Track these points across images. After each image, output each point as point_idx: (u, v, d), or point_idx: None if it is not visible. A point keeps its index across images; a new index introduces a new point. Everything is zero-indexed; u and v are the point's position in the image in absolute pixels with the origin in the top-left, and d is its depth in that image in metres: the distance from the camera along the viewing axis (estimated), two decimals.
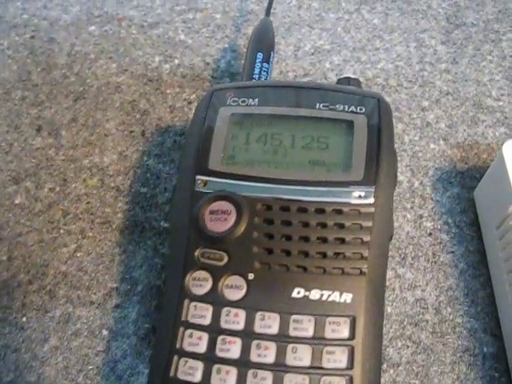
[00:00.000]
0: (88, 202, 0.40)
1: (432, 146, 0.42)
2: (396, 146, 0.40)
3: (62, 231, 0.38)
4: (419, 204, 0.39)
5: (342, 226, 0.29)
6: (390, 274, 0.36)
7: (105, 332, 0.35)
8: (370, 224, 0.29)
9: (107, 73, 0.46)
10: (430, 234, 0.38)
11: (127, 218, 0.39)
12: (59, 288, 0.36)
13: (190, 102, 0.44)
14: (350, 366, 0.27)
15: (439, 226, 0.38)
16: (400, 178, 0.40)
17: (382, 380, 0.33)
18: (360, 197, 0.30)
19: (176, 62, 0.47)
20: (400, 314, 0.35)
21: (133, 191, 0.40)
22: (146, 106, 0.44)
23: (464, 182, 0.40)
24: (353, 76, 0.38)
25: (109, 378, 0.33)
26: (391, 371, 0.33)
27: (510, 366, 0.33)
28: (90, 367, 0.34)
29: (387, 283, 0.36)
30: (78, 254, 0.38)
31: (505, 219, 0.34)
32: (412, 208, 0.39)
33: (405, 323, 0.35)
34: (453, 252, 0.37)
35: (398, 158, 0.40)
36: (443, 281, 0.36)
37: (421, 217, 0.39)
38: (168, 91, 0.45)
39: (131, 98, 0.45)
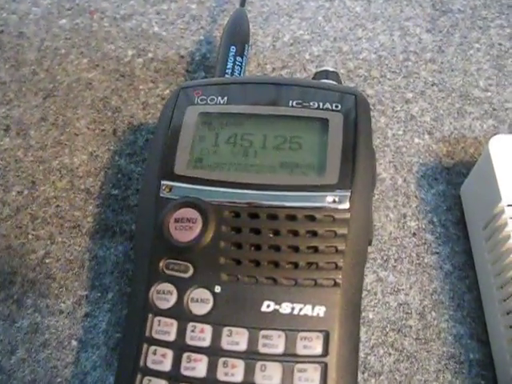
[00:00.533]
0: (57, 206, 0.38)
1: (416, 140, 0.40)
2: (378, 141, 0.39)
3: (30, 236, 0.37)
4: (403, 202, 0.37)
5: (314, 234, 0.27)
6: (371, 277, 0.35)
7: (74, 342, 0.33)
8: (345, 231, 0.27)
9: (78, 68, 0.44)
10: (414, 234, 0.36)
11: (97, 222, 0.37)
12: (27, 297, 0.35)
13: (163, 98, 0.42)
14: None
15: (424, 226, 0.37)
16: (383, 174, 0.38)
17: None
18: (334, 201, 0.28)
19: (149, 55, 0.45)
20: (382, 319, 0.34)
21: (103, 193, 0.38)
22: (117, 103, 0.42)
23: (450, 178, 0.38)
24: (331, 69, 0.36)
25: None
26: (372, 381, 0.32)
27: (497, 374, 0.32)
28: (59, 380, 0.32)
29: (369, 287, 0.34)
30: (47, 261, 0.36)
31: (492, 219, 0.32)
32: (395, 207, 0.37)
33: (387, 329, 0.33)
34: (438, 253, 0.36)
35: (381, 154, 0.38)
36: (427, 284, 0.35)
37: (404, 216, 0.37)
38: (141, 87, 0.43)
39: (103, 94, 0.43)
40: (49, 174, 0.39)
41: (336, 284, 0.27)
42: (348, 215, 0.28)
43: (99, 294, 0.35)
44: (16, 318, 0.34)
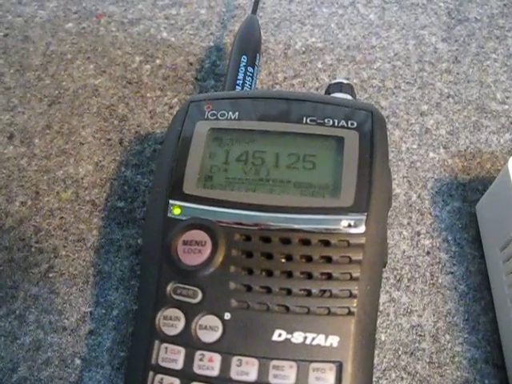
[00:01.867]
0: (61, 218, 0.37)
1: (431, 154, 0.39)
2: (392, 155, 0.37)
3: (33, 249, 0.36)
4: (417, 220, 0.36)
5: (329, 260, 0.26)
6: (384, 297, 0.34)
7: (77, 361, 0.32)
8: (360, 257, 0.26)
9: (84, 74, 0.43)
10: (428, 253, 0.35)
11: (103, 236, 0.36)
12: (29, 312, 0.34)
13: (171, 107, 0.41)
14: None
15: (438, 244, 0.35)
16: (396, 190, 0.37)
17: None
18: (349, 226, 0.27)
19: (157, 62, 0.44)
20: (394, 342, 0.33)
21: (109, 205, 0.37)
22: (124, 111, 0.41)
23: (466, 194, 0.37)
24: (345, 81, 0.35)
25: None
26: None
27: None
28: None
29: (381, 308, 0.33)
30: (50, 275, 0.35)
31: (510, 241, 0.31)
32: (409, 224, 0.36)
33: (399, 352, 0.32)
34: (452, 273, 0.34)
35: (395, 169, 0.37)
36: (441, 305, 0.34)
37: (418, 234, 0.36)
38: (148, 95, 0.42)
39: (109, 102, 0.42)
40: (53, 184, 0.38)
41: (350, 313, 0.26)
42: (363, 240, 0.27)
43: (104, 311, 0.34)
44: (18, 334, 0.33)
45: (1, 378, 0.32)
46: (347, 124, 0.30)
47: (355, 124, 0.30)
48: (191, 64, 0.43)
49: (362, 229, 0.27)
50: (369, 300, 0.26)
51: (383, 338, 0.33)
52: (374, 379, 0.31)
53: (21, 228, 0.37)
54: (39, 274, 0.35)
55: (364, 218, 0.27)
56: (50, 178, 0.38)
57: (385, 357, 0.32)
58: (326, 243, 0.26)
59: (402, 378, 0.32)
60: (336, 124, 0.30)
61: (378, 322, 0.33)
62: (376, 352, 0.32)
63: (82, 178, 0.38)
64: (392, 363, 0.32)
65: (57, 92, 0.42)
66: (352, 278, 0.26)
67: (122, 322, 0.33)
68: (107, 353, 0.32)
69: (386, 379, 0.32)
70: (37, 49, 0.45)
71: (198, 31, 0.45)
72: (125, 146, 0.40)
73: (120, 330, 0.33)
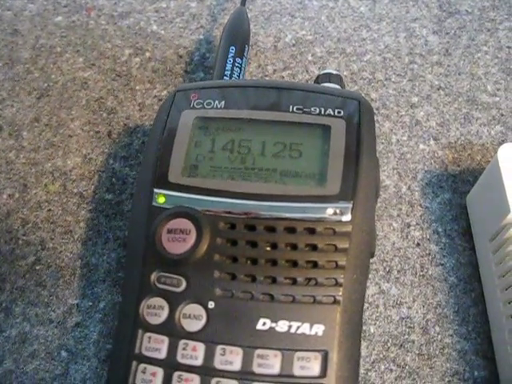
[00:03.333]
0: (49, 210, 0.37)
1: (421, 146, 0.38)
2: (382, 146, 0.37)
3: (20, 242, 0.36)
4: (406, 211, 0.36)
5: (314, 248, 0.26)
6: (373, 289, 0.33)
7: (64, 353, 0.32)
8: (346, 245, 0.26)
9: (73, 67, 0.43)
10: (418, 245, 0.35)
11: (90, 228, 0.36)
12: (16, 305, 0.34)
13: (160, 100, 0.41)
14: None
15: (428, 236, 0.35)
16: (386, 182, 0.37)
17: None
18: (335, 214, 0.26)
19: (147, 54, 0.43)
20: (384, 333, 0.32)
21: (97, 198, 0.37)
22: (113, 104, 0.41)
23: (456, 186, 0.37)
24: (334, 72, 0.35)
25: None
26: None
27: None
28: None
29: (370, 300, 0.33)
30: (37, 267, 0.35)
31: (499, 232, 0.31)
32: (399, 216, 0.36)
33: (389, 344, 0.32)
34: (442, 264, 0.34)
35: (385, 160, 0.37)
36: (431, 297, 0.33)
37: (408, 225, 0.36)
38: (137, 87, 0.42)
39: (98, 94, 0.41)
40: (41, 176, 0.38)
41: (336, 301, 0.25)
42: (350, 228, 0.26)
43: (91, 304, 0.33)
44: (4, 326, 0.33)
45: None
46: (334, 112, 0.29)
47: (342, 112, 0.29)
48: (181, 57, 0.43)
49: (347, 217, 0.26)
50: (355, 289, 0.26)
51: (372, 330, 0.32)
52: (362, 371, 0.31)
53: (8, 221, 0.36)
54: (26, 266, 0.35)
55: (350, 206, 0.27)
56: (38, 171, 0.38)
57: (374, 349, 0.32)
58: (312, 231, 0.26)
59: (392, 370, 0.31)
60: (323, 112, 0.29)
61: (368, 313, 0.33)
62: (365, 344, 0.32)
63: (70, 171, 0.38)
64: (381, 355, 0.32)
65: (46, 85, 0.42)
66: (338, 267, 0.26)
67: (108, 315, 0.33)
68: (94, 345, 0.32)
69: (375, 371, 0.31)
70: (26, 42, 0.45)
71: (188, 24, 0.45)
72: (113, 138, 0.39)
73: (107, 323, 0.33)
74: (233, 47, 0.37)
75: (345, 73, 0.42)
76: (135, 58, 0.43)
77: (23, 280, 0.34)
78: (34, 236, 0.36)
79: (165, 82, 0.42)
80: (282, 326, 0.25)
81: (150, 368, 0.25)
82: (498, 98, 0.41)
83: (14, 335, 0.33)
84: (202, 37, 0.44)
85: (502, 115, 0.40)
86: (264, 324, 0.25)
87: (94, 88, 0.42)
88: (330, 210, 0.26)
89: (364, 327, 0.32)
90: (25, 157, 0.39)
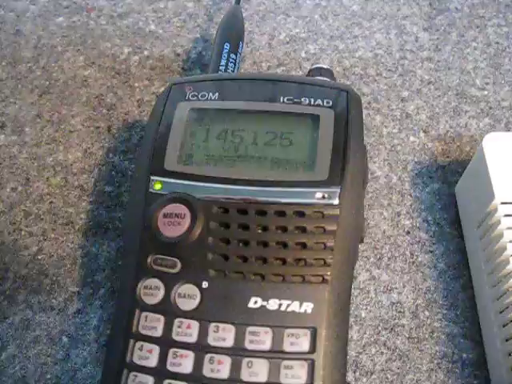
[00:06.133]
0: (51, 202, 0.38)
1: (412, 138, 0.40)
2: (373, 139, 0.38)
3: (23, 233, 0.37)
4: (397, 201, 0.37)
5: (303, 230, 0.27)
6: (364, 275, 0.34)
7: (65, 339, 0.33)
8: (334, 227, 0.27)
9: (74, 66, 0.44)
10: (408, 233, 0.36)
11: (91, 219, 0.37)
12: (19, 293, 0.35)
13: (158, 96, 0.42)
14: (310, 381, 0.25)
15: (418, 224, 0.36)
16: (377, 173, 0.38)
17: None
18: (324, 197, 0.28)
19: (145, 53, 0.45)
20: (374, 318, 0.33)
21: (97, 190, 0.38)
22: (113, 100, 0.42)
23: (445, 176, 0.38)
24: (325, 66, 0.36)
25: None
26: (364, 379, 0.31)
27: (490, 373, 0.31)
28: (49, 376, 0.32)
29: (361, 286, 0.34)
30: (39, 257, 0.36)
31: (485, 218, 0.32)
32: (389, 205, 0.37)
33: (379, 328, 0.33)
34: (432, 252, 0.35)
35: (376, 152, 0.38)
36: (421, 283, 0.34)
37: (398, 214, 0.37)
38: (136, 84, 0.43)
39: (98, 92, 0.43)
40: (43, 170, 0.39)
41: (324, 281, 0.26)
42: (337, 211, 0.27)
43: (91, 291, 0.35)
44: (7, 313, 0.34)
45: None
46: (323, 103, 0.30)
47: (331, 103, 0.30)
48: (178, 55, 0.44)
49: (335, 201, 0.27)
50: (343, 269, 0.27)
51: (363, 315, 0.33)
52: (354, 354, 0.32)
53: (11, 213, 0.38)
54: (29, 256, 0.36)
55: (338, 190, 0.28)
56: (40, 165, 0.39)
57: (365, 332, 0.33)
58: (301, 214, 0.27)
59: (382, 353, 0.32)
60: (312, 103, 0.30)
61: (359, 299, 0.34)
62: (356, 328, 0.33)
63: (71, 165, 0.39)
64: (372, 339, 0.33)
65: (47, 83, 0.43)
66: (326, 248, 0.27)
67: (108, 301, 0.34)
68: (94, 331, 0.33)
69: (367, 354, 0.32)
70: (28, 42, 0.46)
71: (185, 23, 0.46)
72: (113, 133, 0.41)
73: (106, 309, 0.34)
74: (227, 43, 0.38)
75: (337, 69, 0.43)
76: (134, 56, 0.45)
77: (26, 269, 0.35)
78: (36, 227, 0.37)
79: (163, 79, 0.43)
80: (272, 304, 0.26)
81: (147, 345, 0.26)
82: (486, 92, 0.42)
83: (17, 322, 0.34)
84: (198, 35, 0.46)
85: (491, 108, 0.41)
86: (255, 302, 0.26)
87: (94, 85, 0.43)
88: (318, 194, 0.28)
89: (355, 312, 0.33)
90: (27, 151, 0.40)
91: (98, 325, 0.33)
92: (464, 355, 0.32)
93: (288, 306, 0.26)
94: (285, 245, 0.27)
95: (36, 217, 0.37)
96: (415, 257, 0.35)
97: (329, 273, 0.26)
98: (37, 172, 0.39)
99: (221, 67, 0.37)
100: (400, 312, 0.33)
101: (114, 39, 0.46)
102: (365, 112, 0.39)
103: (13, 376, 0.32)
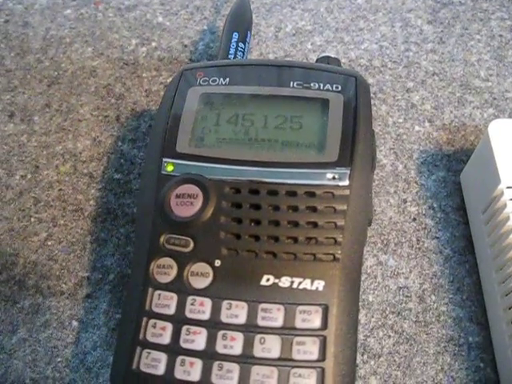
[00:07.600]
0: (60, 189, 0.38)
1: (417, 128, 0.40)
2: (379, 128, 0.39)
3: (32, 219, 0.37)
4: (403, 188, 0.38)
5: (314, 210, 0.27)
6: (371, 261, 0.35)
7: (75, 323, 0.33)
8: (344, 207, 0.27)
9: (82, 57, 0.45)
10: (414, 219, 0.36)
11: (100, 205, 0.37)
12: (29, 278, 0.35)
13: (166, 86, 0.42)
14: (322, 357, 0.25)
15: (424, 211, 0.37)
16: (383, 161, 0.38)
17: (362, 372, 0.31)
18: (334, 178, 0.28)
19: (153, 44, 0.45)
20: (382, 302, 0.34)
21: (106, 177, 0.38)
22: (121, 90, 0.43)
23: (450, 165, 0.38)
24: (332, 55, 0.36)
25: (78, 371, 0.32)
26: (372, 362, 0.32)
27: (496, 356, 0.32)
28: (59, 359, 0.32)
29: (369, 271, 0.35)
30: (49, 243, 0.36)
31: (491, 202, 0.32)
32: (395, 192, 0.37)
33: (387, 312, 0.33)
34: (438, 238, 0.36)
35: (382, 141, 0.39)
36: (427, 268, 0.35)
37: (405, 201, 0.37)
38: (144, 75, 0.43)
39: (106, 82, 0.43)
40: (52, 158, 0.40)
41: (335, 259, 0.27)
42: (347, 192, 0.28)
43: (100, 276, 0.35)
44: (17, 298, 0.34)
45: (1, 340, 0.33)
46: (332, 87, 0.31)
47: (340, 87, 0.31)
48: (185, 46, 0.45)
49: (345, 182, 0.28)
50: (353, 248, 0.27)
51: (371, 299, 0.34)
52: (362, 337, 0.32)
53: (21, 199, 0.38)
54: (38, 242, 0.36)
55: (348, 172, 0.28)
56: (50, 153, 0.40)
57: (373, 316, 0.33)
58: (312, 194, 0.28)
59: (390, 336, 0.33)
60: (321, 87, 0.31)
61: (366, 283, 0.34)
62: (364, 312, 0.33)
63: (80, 153, 0.40)
64: (380, 322, 0.33)
65: (56, 73, 0.44)
66: (337, 227, 0.27)
67: (117, 286, 0.34)
68: (103, 315, 0.34)
69: (374, 337, 0.33)
70: (36, 34, 0.46)
71: (193, 16, 0.47)
72: (121, 122, 0.41)
73: (116, 294, 0.34)
74: (236, 33, 0.38)
75: (343, 60, 0.43)
76: (142, 47, 0.45)
77: (36, 255, 0.36)
78: (45, 214, 0.37)
79: (170, 70, 0.44)
80: (284, 281, 0.27)
81: (160, 323, 0.27)
82: (490, 83, 0.42)
83: (27, 306, 0.34)
84: (205, 27, 0.46)
85: (495, 99, 0.41)
86: (268, 280, 0.27)
87: (102, 76, 0.44)
88: (329, 175, 0.28)
89: (363, 296, 0.34)
90: (36, 140, 0.40)
91: (107, 309, 0.34)
92: (470, 338, 0.32)
93: (300, 283, 0.26)
94: (296, 224, 0.27)
95: (45, 204, 0.38)
96: (421, 243, 0.36)
97: (339, 251, 0.27)
98: (46, 160, 0.40)
99: (229, 56, 0.37)
100: (407, 296, 0.34)
101: (121, 31, 0.46)
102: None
103: (23, 359, 0.32)
